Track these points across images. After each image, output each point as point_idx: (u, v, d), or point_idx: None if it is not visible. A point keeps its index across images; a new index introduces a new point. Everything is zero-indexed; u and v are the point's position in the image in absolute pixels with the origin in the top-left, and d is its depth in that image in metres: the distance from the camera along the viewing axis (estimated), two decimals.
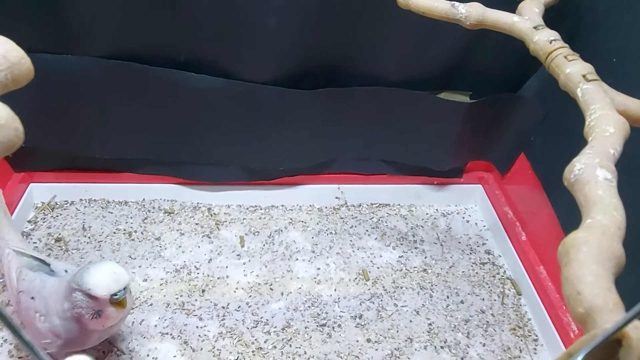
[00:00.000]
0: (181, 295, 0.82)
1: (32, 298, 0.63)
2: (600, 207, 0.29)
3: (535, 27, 0.52)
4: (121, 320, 0.65)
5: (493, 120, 0.92)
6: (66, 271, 0.67)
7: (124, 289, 0.59)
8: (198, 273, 0.86)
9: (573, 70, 0.46)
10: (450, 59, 0.84)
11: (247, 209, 1.00)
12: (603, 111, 0.39)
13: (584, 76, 0.44)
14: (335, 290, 0.87)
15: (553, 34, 0.51)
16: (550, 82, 0.88)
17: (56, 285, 0.63)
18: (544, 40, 0.50)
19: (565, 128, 0.84)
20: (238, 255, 0.91)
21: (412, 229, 1.01)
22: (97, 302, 0.58)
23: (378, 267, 0.92)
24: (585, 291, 0.24)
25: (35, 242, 0.88)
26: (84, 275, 0.58)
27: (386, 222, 1.02)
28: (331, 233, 0.97)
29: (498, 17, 0.54)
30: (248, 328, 0.79)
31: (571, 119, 0.83)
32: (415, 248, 0.97)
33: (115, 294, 0.58)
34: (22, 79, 0.26)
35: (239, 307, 0.82)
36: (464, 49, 0.83)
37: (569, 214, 0.84)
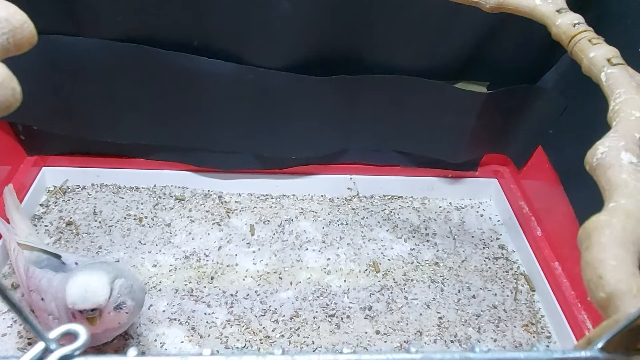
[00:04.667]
0: (190, 282, 0.82)
1: (42, 299, 0.61)
2: (625, 191, 0.28)
3: (558, 11, 0.50)
4: (125, 325, 0.63)
5: (511, 112, 0.90)
6: (76, 263, 0.65)
7: (94, 309, 0.56)
8: (207, 260, 0.86)
9: (597, 54, 0.44)
10: (468, 48, 0.82)
11: (258, 197, 0.99)
12: (629, 95, 0.37)
13: (608, 60, 0.42)
14: (345, 281, 0.86)
15: (577, 17, 0.49)
16: (570, 74, 0.86)
17: (62, 283, 0.60)
18: (567, 24, 0.48)
19: (585, 121, 0.81)
20: (248, 243, 0.90)
21: (424, 221, 0.99)
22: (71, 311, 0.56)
23: (389, 259, 0.91)
24: (608, 275, 0.22)
25: (47, 226, 0.88)
26: (68, 280, 0.56)
27: (398, 214, 1.00)
28: (342, 224, 0.96)
29: (519, 0, 0.53)
30: (256, 316, 0.78)
31: (591, 112, 0.81)
32: (427, 241, 0.95)
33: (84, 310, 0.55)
34: (25, 44, 0.25)
35: (248, 295, 0.81)
36: (482, 37, 0.80)
37: (586, 209, 0.82)
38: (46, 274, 0.63)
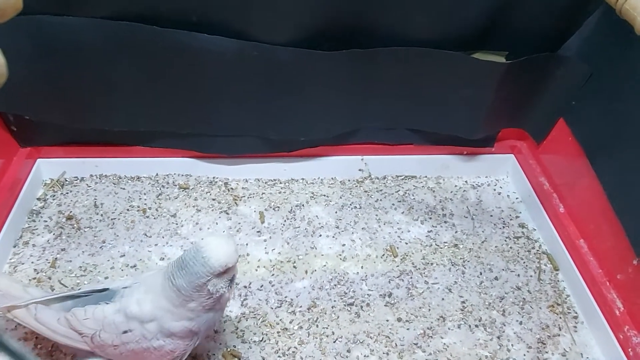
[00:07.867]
0: None
1: (127, 331, 0.55)
2: None
3: None
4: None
5: (530, 82, 0.85)
6: (124, 287, 0.58)
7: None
8: None
9: None
10: (485, 15, 0.76)
11: (265, 183, 0.95)
12: None
13: None
14: (362, 267, 0.82)
15: None
16: (594, 40, 0.81)
17: (155, 303, 0.55)
18: None
19: (612, 90, 0.76)
20: (258, 231, 0.86)
21: (440, 202, 0.95)
22: (230, 271, 0.54)
23: (406, 243, 0.87)
24: None
25: (46, 221, 0.84)
26: (206, 262, 0.52)
27: (413, 195, 0.96)
28: (355, 207, 0.92)
29: None
30: (272, 308, 0.74)
31: (618, 79, 0.77)
32: (445, 222, 0.91)
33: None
34: (8, 9, 0.20)
35: (262, 286, 0.77)
36: (500, 3, 0.75)
37: (616, 181, 0.78)
38: (98, 310, 0.56)
